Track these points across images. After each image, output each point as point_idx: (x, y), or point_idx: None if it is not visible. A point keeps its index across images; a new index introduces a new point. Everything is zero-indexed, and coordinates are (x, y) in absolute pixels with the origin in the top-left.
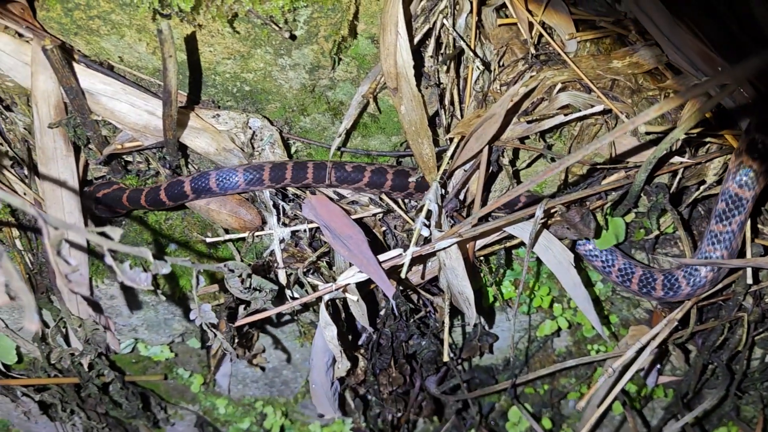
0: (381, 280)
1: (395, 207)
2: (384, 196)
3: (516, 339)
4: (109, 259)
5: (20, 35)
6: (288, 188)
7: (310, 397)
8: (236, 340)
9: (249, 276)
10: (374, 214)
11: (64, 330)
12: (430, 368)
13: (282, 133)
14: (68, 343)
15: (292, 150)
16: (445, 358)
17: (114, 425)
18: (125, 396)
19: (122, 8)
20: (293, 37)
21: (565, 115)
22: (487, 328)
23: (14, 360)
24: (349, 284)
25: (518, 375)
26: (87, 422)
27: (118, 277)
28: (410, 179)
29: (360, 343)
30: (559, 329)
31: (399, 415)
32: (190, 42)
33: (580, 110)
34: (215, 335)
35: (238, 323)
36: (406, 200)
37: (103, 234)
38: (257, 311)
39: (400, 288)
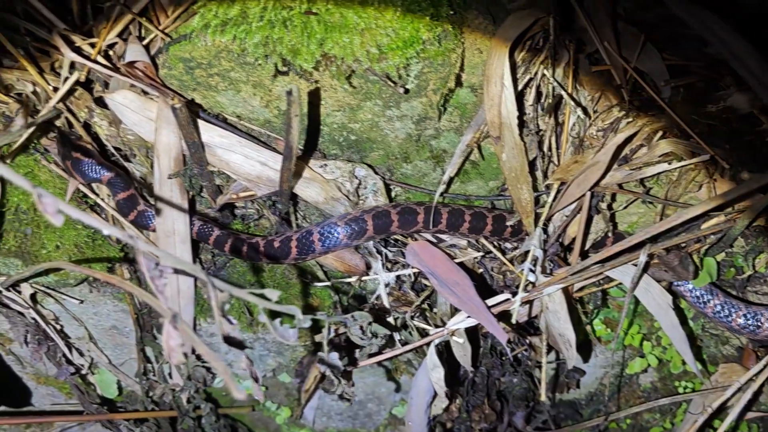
0: (493, 326)
1: (493, 250)
2: (482, 239)
3: (601, 374)
4: (264, 318)
5: (145, 93)
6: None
7: (392, 429)
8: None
9: (369, 324)
10: (474, 257)
11: (167, 366)
12: (520, 405)
13: (384, 180)
14: (169, 378)
15: (392, 194)
16: (542, 398)
17: None
18: (218, 428)
19: (242, 66)
20: (406, 91)
21: (669, 163)
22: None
23: (115, 394)
24: (458, 329)
25: (606, 410)
26: None
27: (271, 333)
28: (508, 223)
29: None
30: (648, 366)
31: None
32: (306, 97)
33: (682, 158)
34: (340, 382)
35: (360, 365)
36: (501, 243)
37: (261, 296)
38: (374, 354)
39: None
